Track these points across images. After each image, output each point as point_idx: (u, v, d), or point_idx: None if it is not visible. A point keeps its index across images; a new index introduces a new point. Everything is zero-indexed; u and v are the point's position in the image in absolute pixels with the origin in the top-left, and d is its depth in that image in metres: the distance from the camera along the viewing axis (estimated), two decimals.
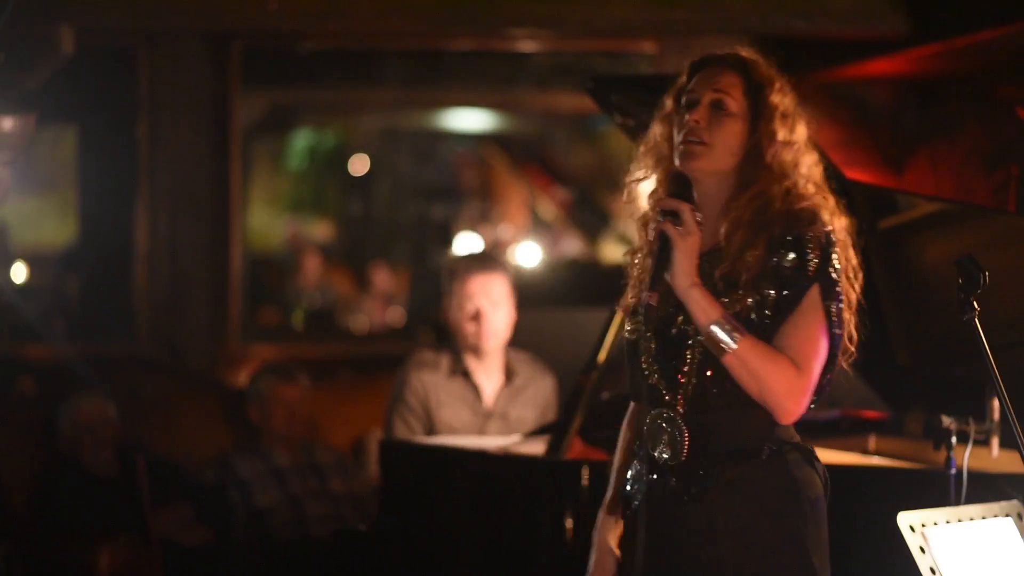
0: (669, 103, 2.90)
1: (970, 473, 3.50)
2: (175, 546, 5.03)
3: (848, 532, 3.68)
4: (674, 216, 2.75)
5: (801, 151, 2.83)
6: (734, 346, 2.69)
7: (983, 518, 3.05)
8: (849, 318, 2.81)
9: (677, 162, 2.82)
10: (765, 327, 2.74)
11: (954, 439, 3.54)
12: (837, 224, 2.81)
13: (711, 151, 2.79)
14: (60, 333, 7.11)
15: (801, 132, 2.85)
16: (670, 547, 2.79)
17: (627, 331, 2.89)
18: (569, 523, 3.70)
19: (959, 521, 3.01)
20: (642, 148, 2.95)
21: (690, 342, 2.77)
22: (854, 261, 2.84)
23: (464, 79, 8.50)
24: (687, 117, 2.81)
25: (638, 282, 2.90)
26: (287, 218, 11.13)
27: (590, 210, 11.06)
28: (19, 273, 7.24)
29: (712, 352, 2.72)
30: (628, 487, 2.90)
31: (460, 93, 8.94)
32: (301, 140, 11.21)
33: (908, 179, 5.78)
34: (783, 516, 2.76)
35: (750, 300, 2.74)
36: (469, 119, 10.44)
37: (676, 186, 2.82)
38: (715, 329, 2.70)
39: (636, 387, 2.91)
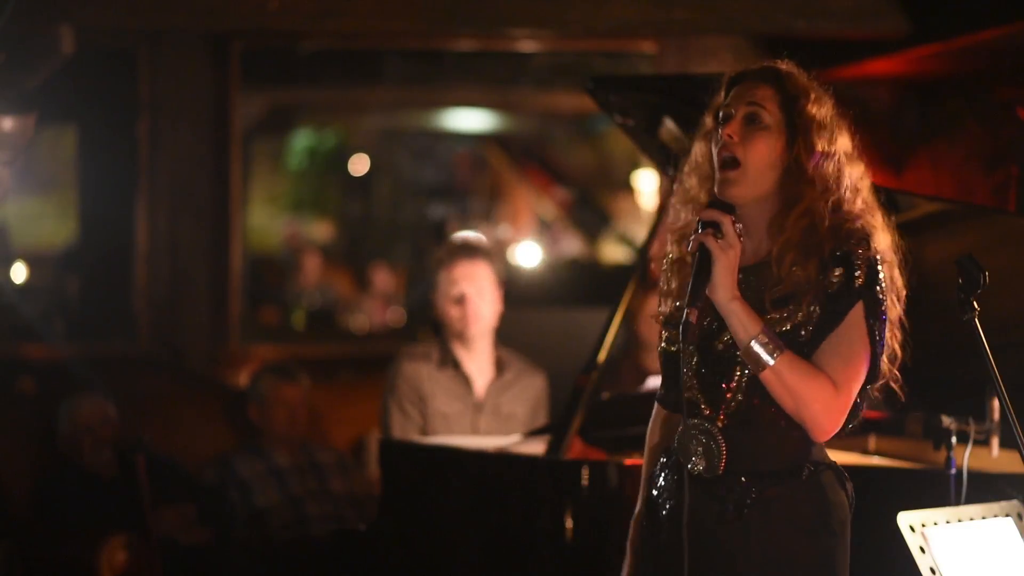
0: (709, 121, 2.86)
1: (970, 473, 3.50)
2: (175, 546, 5.04)
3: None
4: (715, 228, 2.70)
5: (843, 162, 2.78)
6: (772, 363, 2.66)
7: (983, 518, 3.05)
8: (891, 336, 2.78)
9: (716, 189, 2.77)
10: (807, 343, 2.71)
11: (954, 439, 3.54)
12: (883, 242, 2.77)
13: (745, 173, 2.74)
14: (60, 333, 7.11)
15: (843, 143, 2.80)
16: (704, 564, 2.73)
17: (664, 341, 2.84)
18: (569, 523, 3.70)
19: (959, 521, 3.01)
20: (685, 168, 2.91)
21: (738, 359, 2.73)
22: (899, 281, 2.80)
23: (464, 79, 8.50)
24: (721, 131, 2.77)
25: (672, 293, 2.86)
26: (286, 218, 11.13)
27: (590, 210, 11.07)
28: (19, 273, 7.24)
29: (750, 367, 2.69)
30: (656, 494, 2.85)
31: (460, 93, 8.94)
32: (301, 140, 11.21)
33: (908, 179, 5.78)
34: (818, 536, 2.74)
35: (799, 317, 2.71)
36: (469, 119, 10.44)
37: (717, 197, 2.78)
38: (754, 345, 2.67)
39: (670, 398, 2.88)
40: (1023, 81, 5.16)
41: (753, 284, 2.77)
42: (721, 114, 2.80)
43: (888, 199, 4.31)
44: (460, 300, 4.79)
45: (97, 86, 6.86)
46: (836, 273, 2.70)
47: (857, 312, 2.70)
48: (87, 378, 5.57)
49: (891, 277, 2.78)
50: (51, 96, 5.50)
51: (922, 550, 2.92)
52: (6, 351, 6.60)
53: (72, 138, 7.48)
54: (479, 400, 4.85)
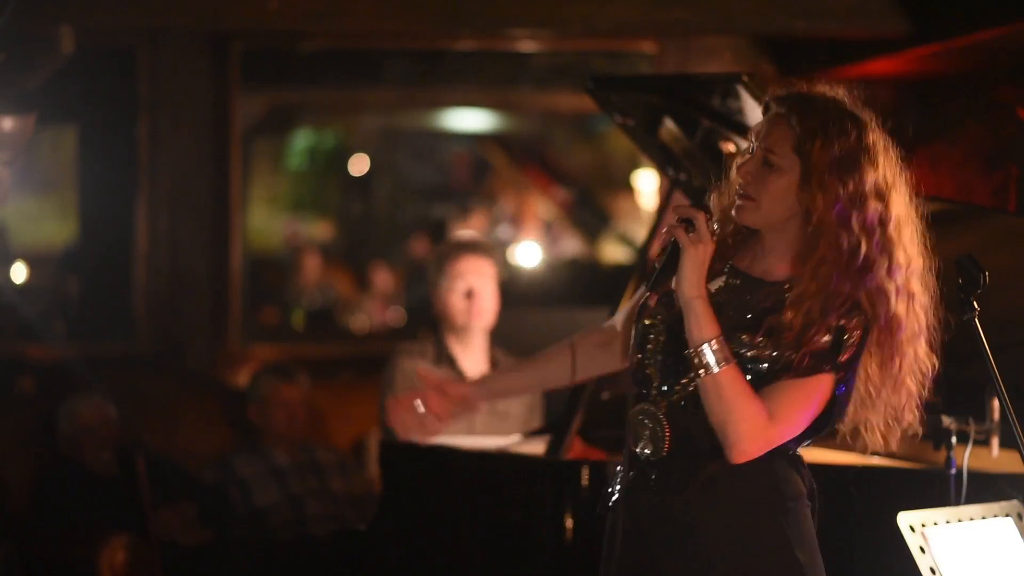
0: (744, 142, 2.92)
1: (970, 473, 3.50)
2: (175, 546, 5.04)
3: (848, 532, 3.69)
4: (688, 223, 2.70)
5: (868, 198, 2.71)
6: (716, 371, 2.66)
7: (983, 518, 3.05)
8: (926, 354, 2.80)
9: (733, 211, 2.78)
10: (762, 377, 2.70)
11: (954, 439, 3.54)
12: (916, 266, 2.75)
13: (758, 207, 2.74)
14: (60, 333, 7.11)
15: (871, 177, 2.72)
16: (651, 542, 2.79)
17: (645, 321, 2.83)
18: (569, 523, 3.70)
19: (959, 521, 3.01)
20: (723, 186, 2.87)
21: None
22: (929, 313, 2.79)
23: (464, 79, 8.49)
24: (739, 166, 2.77)
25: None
26: (286, 217, 11.13)
27: (590, 210, 11.06)
28: (19, 273, 7.23)
29: (692, 368, 2.70)
30: (611, 481, 2.90)
31: (460, 93, 8.93)
32: (301, 140, 11.21)
33: (908, 179, 5.77)
34: (763, 511, 2.75)
35: (767, 354, 2.71)
36: (469, 119, 10.43)
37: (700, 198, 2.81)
38: (705, 348, 2.67)
39: (634, 373, 2.88)
40: (1023, 81, 5.16)
41: (743, 296, 2.79)
42: (747, 146, 2.80)
43: None
44: (468, 294, 4.82)
45: (97, 86, 6.86)
46: (825, 339, 2.68)
47: (827, 380, 2.70)
48: (87, 378, 5.57)
49: (923, 305, 2.77)
50: (51, 96, 5.49)
51: (922, 550, 2.92)
52: (6, 351, 6.60)
53: (72, 138, 7.48)
54: None
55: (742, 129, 4.10)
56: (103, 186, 7.03)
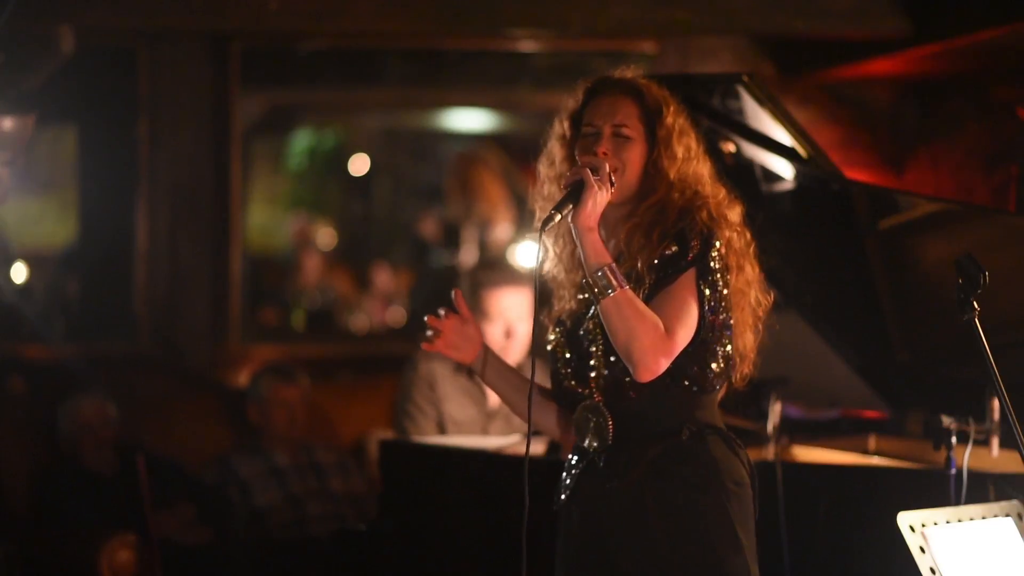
0: (565, 126, 3.11)
1: (970, 473, 3.50)
2: (175, 546, 5.04)
3: (848, 532, 3.69)
4: (594, 170, 2.93)
5: (699, 162, 3.05)
6: (614, 291, 2.85)
7: (983, 518, 3.05)
8: (750, 291, 3.01)
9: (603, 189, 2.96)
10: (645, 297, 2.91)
11: (954, 439, 3.54)
12: (731, 214, 3.00)
13: (621, 176, 2.98)
14: (60, 333, 7.11)
15: (694, 145, 3.06)
16: (603, 529, 2.95)
17: (549, 342, 3.09)
18: None
19: (959, 521, 3.01)
20: (543, 172, 3.14)
21: (593, 338, 2.97)
22: (750, 272, 3.02)
23: (464, 79, 8.48)
24: (596, 149, 2.99)
25: (561, 294, 3.11)
26: (293, 214, 11.11)
27: None
28: (19, 273, 7.22)
29: (593, 296, 2.88)
30: (564, 476, 3.06)
31: (460, 93, 8.92)
32: (301, 140, 11.20)
33: (908, 179, 5.79)
34: (707, 491, 2.91)
35: (640, 291, 2.92)
36: (469, 119, 10.42)
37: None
38: (602, 271, 2.87)
39: (558, 393, 3.09)
40: (1023, 81, 5.16)
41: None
42: (584, 130, 3.05)
43: (888, 199, 4.33)
44: (508, 333, 4.83)
45: (97, 86, 6.86)
46: (672, 247, 2.93)
47: (689, 276, 2.91)
48: (87, 378, 5.57)
49: (744, 241, 3.00)
50: (51, 96, 5.50)
51: (922, 550, 2.92)
52: (6, 351, 6.60)
53: (72, 138, 7.47)
54: (492, 408, 4.86)
55: (742, 129, 4.10)
56: (103, 186, 7.03)
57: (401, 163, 11.32)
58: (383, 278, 10.29)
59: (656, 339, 2.84)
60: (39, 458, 5.26)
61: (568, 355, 3.04)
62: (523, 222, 10.67)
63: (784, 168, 4.12)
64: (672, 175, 3.00)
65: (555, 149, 3.13)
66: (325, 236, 11.26)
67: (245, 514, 5.36)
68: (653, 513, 2.90)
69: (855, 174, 5.10)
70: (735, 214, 3.03)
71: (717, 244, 2.93)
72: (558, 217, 2.91)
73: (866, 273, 4.22)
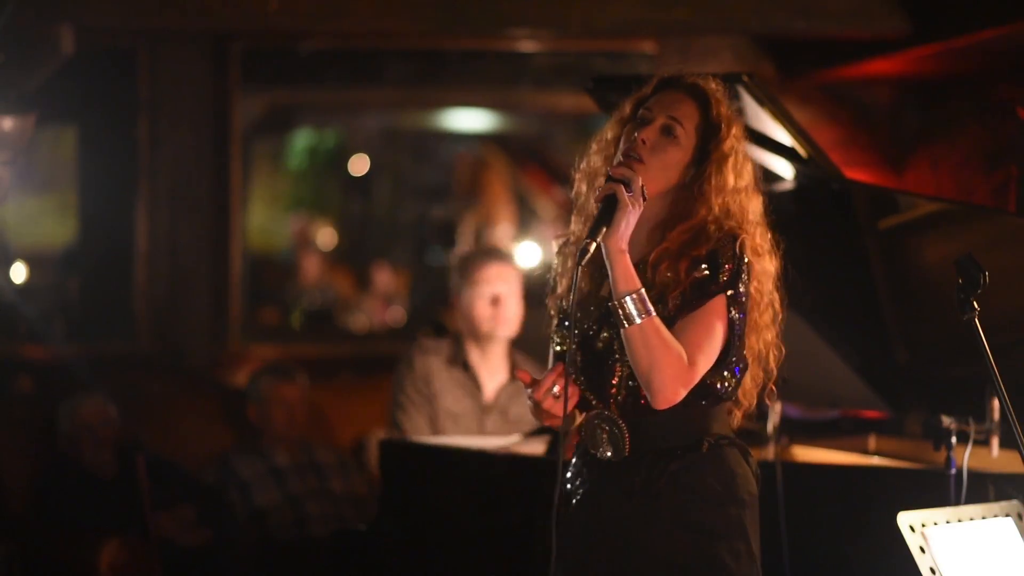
0: (628, 109, 2.99)
1: (970, 473, 3.50)
2: (175, 546, 5.04)
3: (848, 532, 3.69)
4: (626, 184, 2.81)
5: (748, 196, 2.92)
6: (639, 321, 2.77)
7: (983, 518, 3.05)
8: (771, 338, 2.95)
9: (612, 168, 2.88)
10: (669, 320, 2.83)
11: (954, 439, 3.54)
12: (766, 264, 2.91)
13: (645, 171, 2.86)
14: (60, 333, 7.11)
15: (748, 177, 2.94)
16: (614, 539, 2.89)
17: (555, 342, 3.03)
18: None
19: (959, 521, 3.01)
20: (593, 146, 3.03)
21: (616, 356, 2.88)
22: (777, 302, 2.95)
23: (464, 79, 8.47)
24: (636, 134, 2.89)
25: (562, 294, 3.02)
26: (293, 214, 11.11)
27: None
28: (19, 273, 7.22)
29: (617, 320, 2.80)
30: (569, 485, 3.00)
31: (460, 93, 8.91)
32: (301, 140, 11.20)
33: (908, 179, 5.79)
34: (725, 505, 2.88)
35: (668, 313, 2.84)
36: (469, 119, 10.42)
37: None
38: (628, 300, 2.78)
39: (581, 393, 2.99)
40: (1023, 81, 5.16)
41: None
42: (641, 114, 2.93)
43: (888, 199, 4.33)
44: (495, 301, 4.82)
45: (97, 86, 6.86)
46: (703, 269, 2.84)
47: (719, 302, 2.83)
48: (87, 378, 5.57)
49: (768, 291, 2.92)
50: (51, 96, 5.49)
51: (922, 550, 2.92)
52: (6, 351, 6.60)
53: (72, 138, 7.47)
54: (487, 402, 4.86)
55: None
56: (103, 186, 7.03)
57: (401, 163, 11.32)
58: (383, 278, 10.29)
59: (679, 370, 2.78)
60: (39, 458, 5.26)
61: (583, 364, 2.94)
62: (524, 222, 10.70)
63: (784, 168, 4.12)
64: (715, 202, 2.88)
65: (609, 128, 3.02)
66: (325, 236, 11.26)
67: (245, 514, 5.36)
68: (674, 525, 2.86)
69: (855, 174, 5.10)
70: (773, 265, 2.94)
71: (747, 271, 2.85)
72: (593, 247, 2.79)
73: (866, 273, 4.22)
